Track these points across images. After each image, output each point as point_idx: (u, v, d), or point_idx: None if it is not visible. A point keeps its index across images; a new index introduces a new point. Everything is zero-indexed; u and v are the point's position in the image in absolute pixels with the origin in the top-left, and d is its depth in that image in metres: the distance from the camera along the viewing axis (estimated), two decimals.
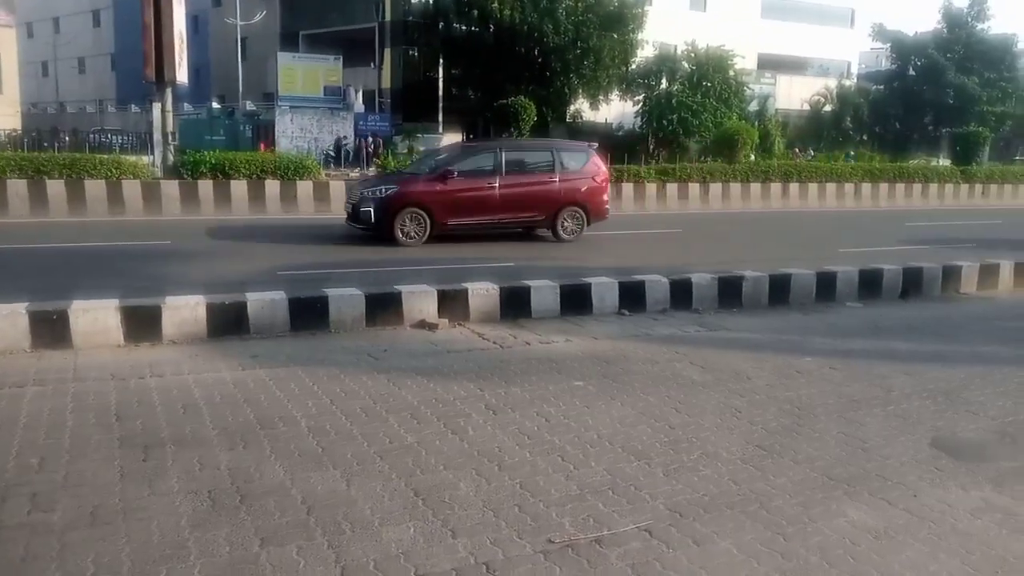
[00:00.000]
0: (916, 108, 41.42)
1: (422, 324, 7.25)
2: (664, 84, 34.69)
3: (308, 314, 6.99)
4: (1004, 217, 21.20)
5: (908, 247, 13.45)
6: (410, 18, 39.26)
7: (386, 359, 6.25)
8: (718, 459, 4.42)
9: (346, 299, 7.15)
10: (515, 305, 7.76)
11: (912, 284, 9.56)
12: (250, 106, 39.65)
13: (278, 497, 3.77)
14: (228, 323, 6.68)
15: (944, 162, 32.85)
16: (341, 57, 38.04)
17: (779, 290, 8.88)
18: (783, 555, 3.41)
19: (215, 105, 41.03)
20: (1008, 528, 3.74)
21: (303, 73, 37.45)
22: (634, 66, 34.41)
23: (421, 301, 7.38)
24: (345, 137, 34.96)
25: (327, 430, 4.64)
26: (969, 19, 41.65)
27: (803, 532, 3.62)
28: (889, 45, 43.68)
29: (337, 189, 16.99)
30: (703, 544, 3.48)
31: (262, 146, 17.20)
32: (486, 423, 4.84)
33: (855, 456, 4.54)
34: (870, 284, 9.35)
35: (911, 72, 42.55)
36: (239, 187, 16.31)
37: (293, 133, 34.50)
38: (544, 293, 7.94)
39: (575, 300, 8.04)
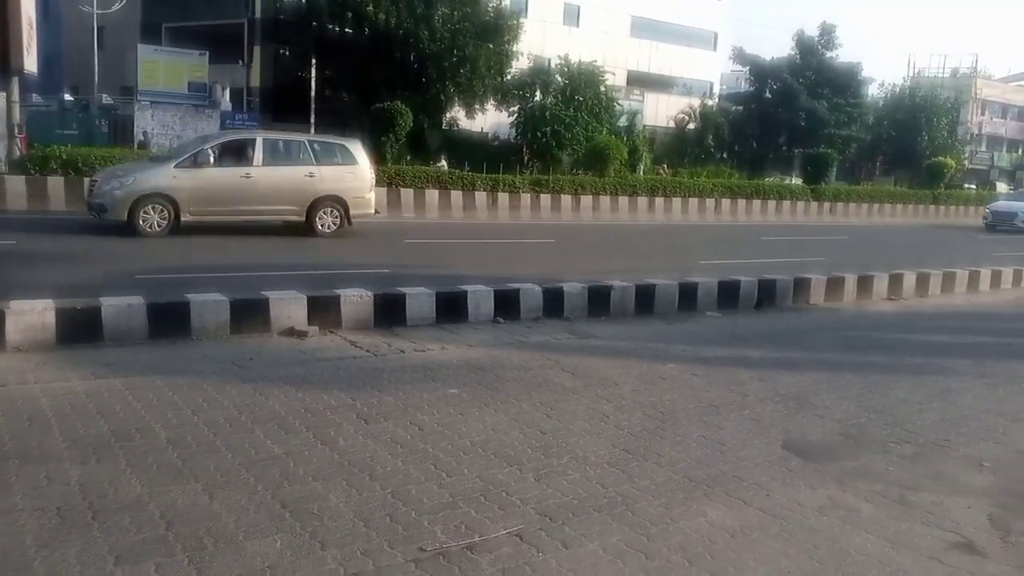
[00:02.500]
0: (772, 129, 43.99)
1: (291, 332, 7.05)
2: (538, 96, 35.34)
3: (168, 320, 6.64)
4: (849, 233, 22.88)
5: (763, 260, 14.28)
6: (282, 16, 38.13)
7: (252, 368, 6.04)
8: (587, 463, 4.54)
9: (209, 305, 6.85)
10: (389, 312, 7.68)
11: (766, 295, 10.15)
12: (106, 99, 37.28)
13: (134, 513, 3.56)
14: (80, 330, 6.26)
15: (796, 181, 35.12)
16: (207, 53, 36.42)
17: (645, 299, 9.21)
18: (647, 555, 3.54)
19: (68, 97, 38.27)
20: (850, 524, 4.02)
21: (165, 67, 35.55)
22: (509, 77, 34.85)
23: (290, 307, 7.17)
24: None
25: (188, 442, 4.43)
26: (820, 47, 44.62)
27: (666, 532, 3.77)
28: (748, 68, 46.19)
29: None
30: (571, 547, 3.56)
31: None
32: (357, 433, 4.76)
33: (714, 458, 4.77)
34: (728, 295, 9.85)
35: (768, 95, 45.11)
36: None
37: (153, 129, 32.72)
38: (420, 300, 7.90)
39: (451, 308, 8.04)
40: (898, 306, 11.08)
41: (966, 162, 54.82)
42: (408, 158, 24.65)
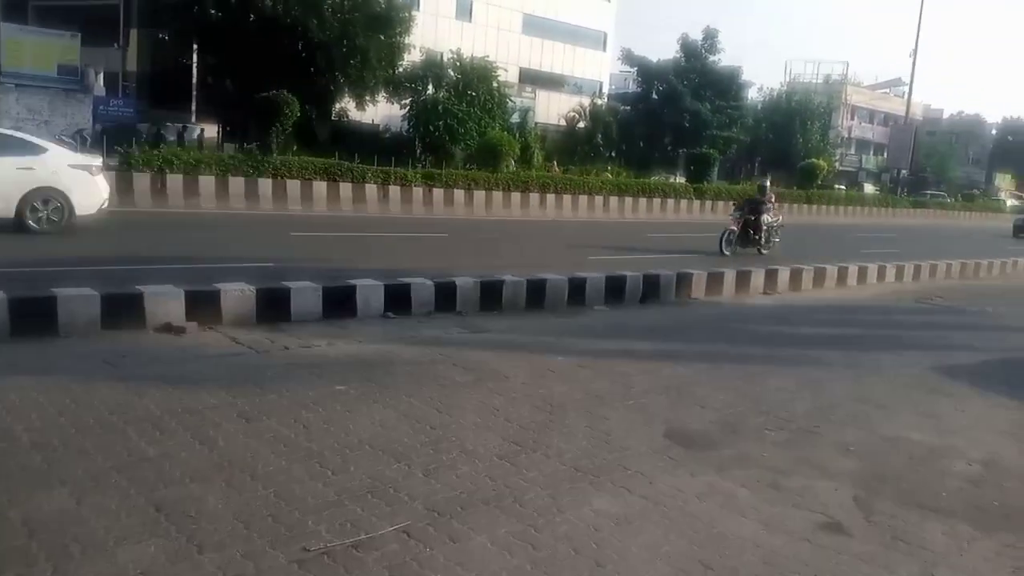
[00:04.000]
0: (658, 129, 45.31)
1: (167, 328, 6.72)
2: (431, 90, 35.12)
3: (33, 317, 6.23)
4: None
5: (649, 255, 14.70)
6: None
7: (125, 366, 5.73)
8: (476, 456, 4.55)
9: (79, 300, 6.46)
10: (273, 308, 7.44)
11: (651, 290, 10.45)
12: None
13: None
14: None
15: (681, 180, 36.32)
16: (79, 35, 34.28)
17: (536, 294, 9.31)
18: (534, 546, 3.58)
19: None
20: (728, 509, 4.19)
21: (33, 48, 33.21)
22: (401, 69, 34.47)
23: (166, 303, 6.85)
24: (84, 129, 31.59)
25: (54, 445, 4.16)
26: (703, 50, 46.28)
27: (552, 523, 3.81)
28: (636, 69, 47.40)
29: None
30: (459, 541, 3.55)
31: None
32: (238, 432, 4.59)
33: (600, 448, 4.87)
34: (615, 289, 10.09)
35: (654, 96, 46.45)
36: None
37: (19, 114, 30.56)
38: (305, 295, 7.70)
39: (339, 302, 7.88)
40: (774, 300, 11.64)
41: (837, 164, 58.27)
42: (295, 148, 23.98)
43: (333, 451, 4.44)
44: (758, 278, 11.91)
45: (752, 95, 52.50)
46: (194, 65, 36.10)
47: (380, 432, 4.81)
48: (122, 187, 16.43)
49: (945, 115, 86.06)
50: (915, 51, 40.39)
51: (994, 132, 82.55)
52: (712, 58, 46.25)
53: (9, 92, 31.08)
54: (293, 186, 19.35)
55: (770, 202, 17.67)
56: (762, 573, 3.54)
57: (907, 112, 50.01)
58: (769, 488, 4.51)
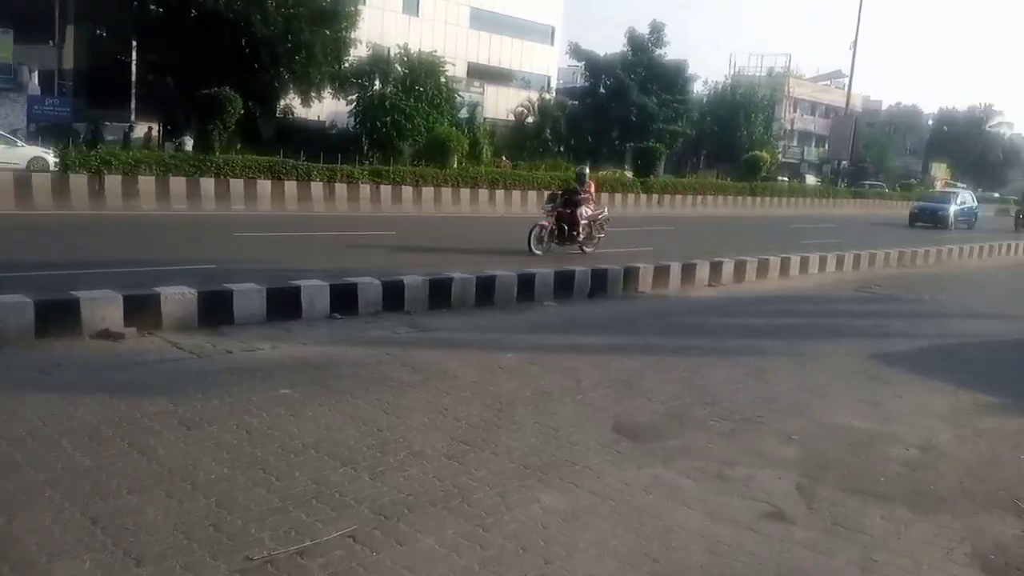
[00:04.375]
0: (606, 123, 45.62)
1: (105, 334, 6.53)
2: (378, 85, 34.79)
3: None
4: (675, 225, 24.11)
5: (596, 250, 14.77)
6: None
7: (60, 375, 5.55)
8: (424, 457, 4.52)
9: (9, 308, 6.23)
10: (216, 311, 7.29)
11: (599, 284, 10.52)
12: None
13: None
14: None
15: (628, 174, 36.63)
16: (11, 31, 33.10)
17: (485, 291, 9.30)
18: (482, 545, 3.57)
19: None
20: (674, 500, 4.24)
21: None
22: (347, 64, 34.08)
23: (104, 308, 6.65)
24: (18, 130, 30.54)
25: None
26: (650, 44, 46.68)
27: (500, 521, 3.81)
28: (584, 63, 47.62)
29: (2, 180, 14.92)
30: (406, 544, 3.53)
31: None
32: (179, 440, 4.49)
33: (548, 444, 4.89)
34: (564, 284, 10.13)
35: (602, 90, 46.76)
36: None
37: None
38: (248, 297, 7.56)
39: (283, 304, 7.75)
40: (718, 292, 11.82)
41: (780, 156, 59.43)
42: (238, 146, 23.53)
43: (277, 456, 4.37)
44: (703, 271, 12.08)
45: (698, 88, 53.33)
46: (133, 62, 35.15)
47: (326, 436, 4.75)
48: (58, 189, 15.96)
49: (884, 106, 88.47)
50: (855, 43, 41.36)
51: (930, 123, 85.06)
52: (658, 52, 46.70)
53: None
54: (236, 185, 18.96)
55: (587, 192, 15.02)
56: (707, 564, 3.59)
57: (847, 104, 51.21)
58: (714, 478, 4.58)
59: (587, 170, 16.67)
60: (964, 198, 35.31)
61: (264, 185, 19.44)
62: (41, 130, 30.44)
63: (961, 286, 15.28)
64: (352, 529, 3.61)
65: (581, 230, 14.48)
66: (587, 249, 14.66)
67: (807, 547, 3.80)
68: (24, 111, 31.66)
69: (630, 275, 10.99)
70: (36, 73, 34.62)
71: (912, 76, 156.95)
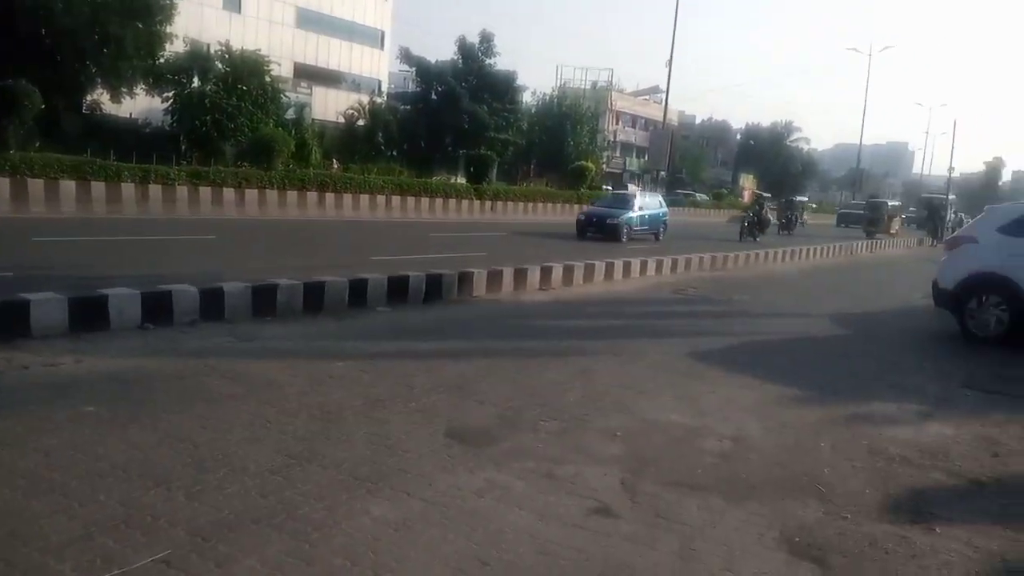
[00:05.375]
0: (438, 129, 45.71)
1: None
2: (197, 83, 33.01)
3: None
4: (508, 229, 24.57)
5: (431, 256, 14.77)
6: None
7: None
8: (246, 473, 4.28)
9: None
10: (9, 323, 6.59)
11: (434, 289, 10.49)
12: None
13: None
14: None
15: (461, 180, 36.94)
16: None
17: (314, 297, 9.01)
18: (308, 562, 3.42)
19: None
20: (505, 503, 4.26)
21: None
22: (162, 60, 32.09)
23: None
24: None
25: None
26: (480, 54, 47.23)
27: (328, 536, 3.67)
28: (415, 69, 47.48)
29: None
30: (225, 565, 3.32)
31: None
32: None
33: (379, 454, 4.78)
34: (398, 290, 10.02)
35: (434, 96, 46.79)
36: None
37: None
38: (48, 307, 6.89)
39: (88, 314, 7.13)
40: (549, 296, 12.13)
41: (604, 165, 62.07)
42: (38, 144, 21.52)
43: (80, 480, 4.00)
44: (534, 275, 12.36)
45: (527, 99, 54.52)
46: None
47: (136, 455, 4.39)
48: None
49: (697, 120, 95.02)
50: (670, 61, 43.83)
51: (739, 137, 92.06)
52: (488, 61, 47.30)
53: None
54: (36, 186, 17.34)
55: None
56: (536, 563, 3.63)
57: (664, 117, 54.14)
58: (544, 478, 4.65)
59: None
60: (646, 202, 26.92)
61: (68, 186, 17.93)
62: None
63: (770, 288, 16.56)
64: (166, 554, 3.35)
65: None
66: None
67: (631, 540, 3.95)
68: None
69: (464, 280, 11.04)
70: None
71: (721, 94, 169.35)
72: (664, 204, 28.56)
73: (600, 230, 24.27)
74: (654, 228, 26.59)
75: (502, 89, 47.21)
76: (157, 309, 7.64)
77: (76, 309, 7.06)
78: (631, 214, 25.29)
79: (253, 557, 3.41)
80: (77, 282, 7.88)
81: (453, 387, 6.42)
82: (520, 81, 49.04)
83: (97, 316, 7.20)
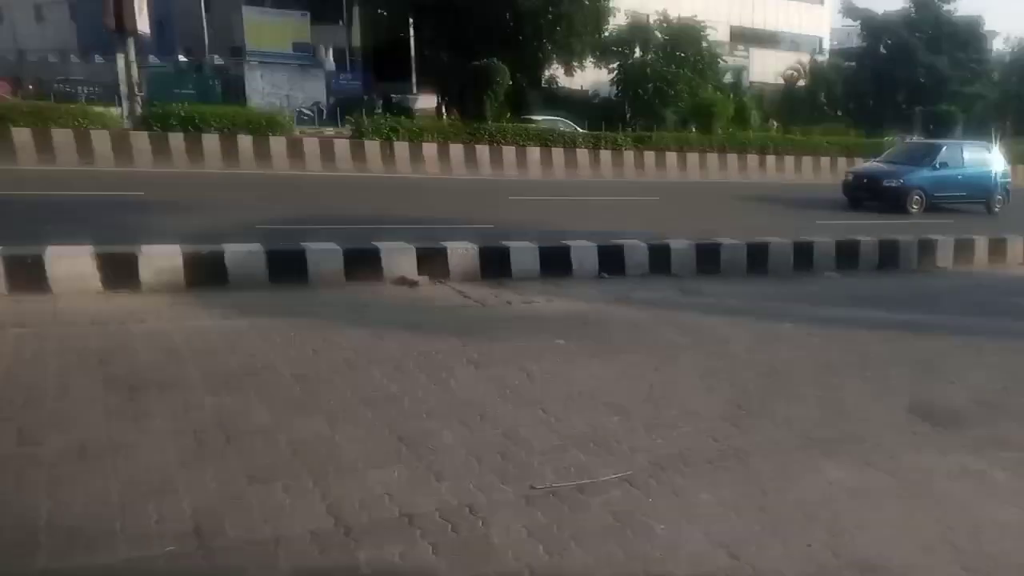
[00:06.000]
0: (888, 86, 41.48)
1: (402, 281, 7.21)
2: (638, 53, 34.48)
3: (286, 267, 6.92)
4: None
5: (883, 220, 13.55)
6: None
7: (367, 313, 6.22)
8: (698, 417, 4.45)
9: (325, 254, 7.08)
10: (495, 265, 7.73)
11: (889, 256, 9.65)
12: (217, 60, 38.67)
13: (263, 439, 3.75)
14: (206, 274, 6.58)
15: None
16: (308, 14, 37.18)
17: (757, 258, 8.93)
18: (762, 508, 3.45)
19: (182, 58, 39.93)
20: (984, 492, 3.79)
21: (270, 29, 36.53)
22: (607, 34, 34.11)
23: (400, 258, 7.34)
24: (319, 102, 34.46)
25: (310, 379, 4.61)
26: (937, 0, 41.72)
27: (782, 488, 3.66)
28: (859, 23, 43.59)
29: (311, 145, 16.85)
30: (683, 495, 3.51)
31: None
32: (468, 376, 4.83)
33: (832, 418, 4.62)
34: (848, 255, 9.43)
35: (882, 50, 42.54)
36: (211, 141, 16.04)
37: (264, 89, 33.81)
38: (524, 254, 7.92)
39: (555, 262, 8.04)
40: None
41: None
42: (508, 116, 24.55)
43: (555, 400, 4.55)
44: (1015, 247, 10.62)
45: (998, 46, 46.56)
46: (411, 38, 37.84)
47: (599, 386, 4.85)
48: (355, 153, 17.71)
49: None
50: None
51: None
52: (947, 7, 41.45)
53: (254, 69, 34.44)
54: (509, 152, 19.85)
55: None
56: None
57: None
58: None
59: None
60: (961, 158, 18.30)
61: (533, 152, 20.16)
62: (338, 102, 33.99)
63: None
64: (628, 474, 3.66)
65: None
66: None
67: None
68: (324, 85, 35.52)
69: (926, 248, 9.95)
70: (331, 51, 38.63)
71: None
72: (1005, 162, 19.49)
73: (876, 195, 17.31)
74: (979, 195, 18.28)
75: (964, 38, 41.04)
76: (611, 261, 8.28)
77: (545, 257, 8.01)
78: (925, 173, 17.52)
79: (708, 493, 3.55)
80: (544, 235, 8.87)
81: (916, 362, 5.87)
82: (988, 27, 42.13)
83: (562, 264, 8.08)
